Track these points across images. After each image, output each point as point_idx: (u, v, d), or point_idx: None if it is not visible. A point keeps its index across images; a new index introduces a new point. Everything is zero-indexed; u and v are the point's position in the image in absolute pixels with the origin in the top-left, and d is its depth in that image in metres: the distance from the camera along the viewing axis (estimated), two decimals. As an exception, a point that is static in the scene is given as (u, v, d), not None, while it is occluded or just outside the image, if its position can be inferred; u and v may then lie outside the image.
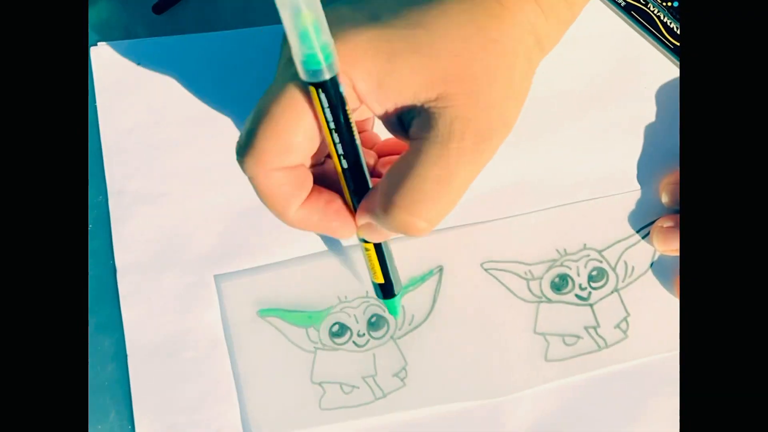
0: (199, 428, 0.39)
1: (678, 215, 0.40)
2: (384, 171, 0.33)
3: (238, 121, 0.40)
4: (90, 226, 0.40)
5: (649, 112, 0.41)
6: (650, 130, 0.41)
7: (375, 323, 0.40)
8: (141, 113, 0.40)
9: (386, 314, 0.40)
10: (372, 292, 0.39)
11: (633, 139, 0.41)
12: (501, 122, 0.31)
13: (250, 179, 0.31)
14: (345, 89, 0.29)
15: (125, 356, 0.39)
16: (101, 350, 0.40)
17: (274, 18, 0.41)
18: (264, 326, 0.39)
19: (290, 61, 0.29)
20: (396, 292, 0.36)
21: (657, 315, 0.40)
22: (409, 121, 0.31)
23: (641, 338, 0.40)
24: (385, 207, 0.30)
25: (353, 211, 0.33)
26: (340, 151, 0.31)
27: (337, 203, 0.33)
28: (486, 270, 0.40)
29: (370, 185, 0.32)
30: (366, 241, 0.34)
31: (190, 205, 0.40)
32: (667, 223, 0.39)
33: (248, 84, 0.40)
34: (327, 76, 0.28)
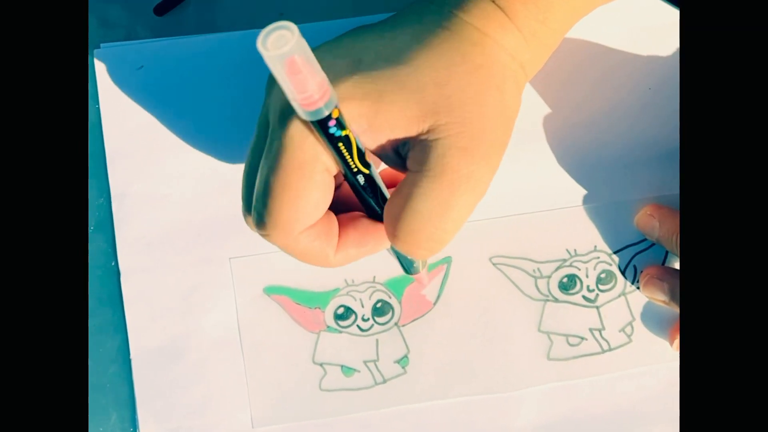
0: (203, 431, 0.39)
1: (660, 266, 0.40)
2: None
3: (241, 121, 0.40)
4: (93, 228, 0.40)
5: (666, 120, 0.41)
6: (666, 136, 0.40)
7: (380, 309, 0.40)
8: (144, 115, 0.40)
9: (392, 300, 0.40)
10: (379, 278, 0.40)
11: (649, 144, 0.40)
12: (496, 144, 0.31)
13: (280, 248, 0.31)
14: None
15: (127, 358, 0.40)
16: (103, 352, 0.40)
17: (276, 19, 0.41)
18: (269, 304, 0.40)
19: (282, 116, 0.29)
20: None
21: (662, 322, 0.40)
22: (405, 153, 0.31)
23: (645, 344, 0.40)
24: (390, 237, 0.31)
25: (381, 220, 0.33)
26: (361, 181, 0.31)
27: (363, 225, 0.33)
28: (494, 265, 0.40)
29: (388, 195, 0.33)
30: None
31: (193, 207, 0.40)
32: (651, 271, 0.40)
33: (251, 85, 0.40)
34: (326, 113, 0.28)
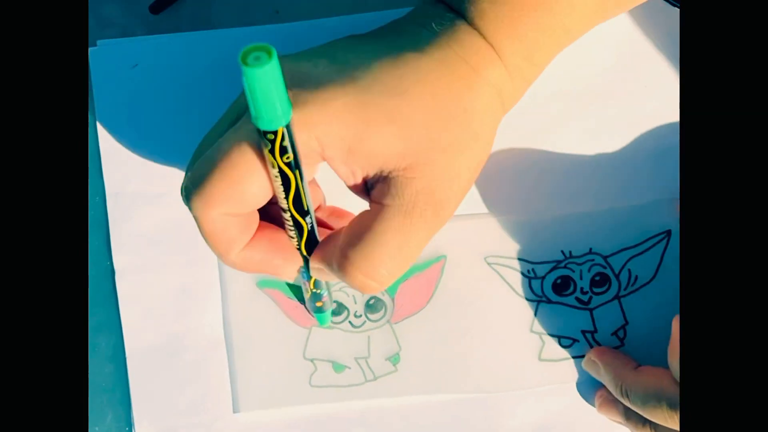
0: (198, 430, 0.39)
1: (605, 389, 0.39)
2: (331, 222, 0.34)
3: None
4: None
5: (665, 123, 0.40)
6: (664, 139, 0.40)
7: (373, 305, 0.40)
8: (139, 113, 0.40)
9: (385, 297, 0.40)
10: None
11: (647, 147, 0.40)
12: (459, 192, 0.32)
13: (195, 218, 0.31)
14: (306, 144, 0.29)
15: (123, 357, 0.40)
16: (99, 351, 0.40)
17: (271, 17, 0.41)
18: (262, 298, 0.40)
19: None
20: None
21: (656, 327, 0.40)
22: (372, 183, 0.31)
23: (637, 348, 0.40)
24: (341, 263, 0.31)
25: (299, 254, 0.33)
26: (293, 207, 0.30)
27: (282, 240, 0.33)
28: (489, 264, 0.40)
29: (319, 239, 0.33)
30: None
31: None
32: (604, 393, 0.39)
33: None
34: (277, 126, 0.27)
